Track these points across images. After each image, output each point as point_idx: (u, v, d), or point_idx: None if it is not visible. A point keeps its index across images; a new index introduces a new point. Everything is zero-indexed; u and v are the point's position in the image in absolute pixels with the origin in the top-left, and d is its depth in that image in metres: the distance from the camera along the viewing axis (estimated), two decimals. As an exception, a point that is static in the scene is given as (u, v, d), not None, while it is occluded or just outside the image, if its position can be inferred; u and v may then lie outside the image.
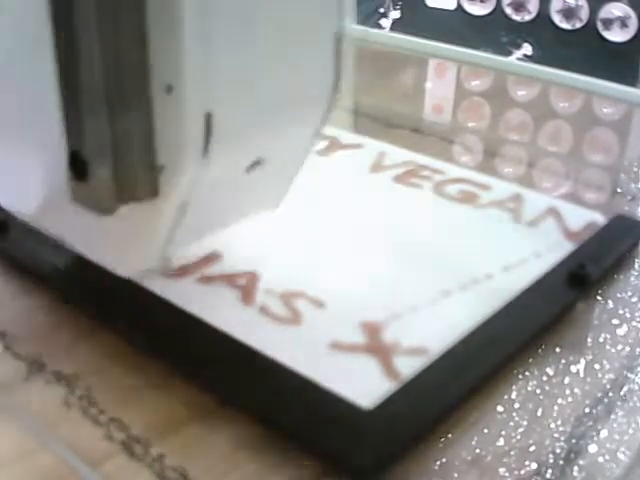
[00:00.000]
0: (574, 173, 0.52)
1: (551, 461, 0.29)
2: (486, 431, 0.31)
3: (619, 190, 0.49)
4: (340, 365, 0.33)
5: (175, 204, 0.30)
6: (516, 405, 0.32)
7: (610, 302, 0.38)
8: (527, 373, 0.33)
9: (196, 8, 0.27)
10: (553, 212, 0.44)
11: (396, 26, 0.86)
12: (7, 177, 0.32)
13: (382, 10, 0.86)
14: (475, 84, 0.69)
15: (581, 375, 0.33)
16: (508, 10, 0.70)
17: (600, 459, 0.29)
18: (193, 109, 0.28)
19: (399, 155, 0.51)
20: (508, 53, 0.70)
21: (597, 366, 0.34)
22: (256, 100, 0.31)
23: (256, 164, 0.33)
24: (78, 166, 0.28)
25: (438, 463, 0.29)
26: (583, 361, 0.34)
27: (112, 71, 0.27)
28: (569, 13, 0.66)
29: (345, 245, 0.42)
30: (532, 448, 0.30)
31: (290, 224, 0.44)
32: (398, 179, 0.48)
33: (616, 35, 0.63)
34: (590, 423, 0.31)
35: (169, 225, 0.31)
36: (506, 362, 0.33)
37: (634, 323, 0.36)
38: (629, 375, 0.33)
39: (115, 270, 0.34)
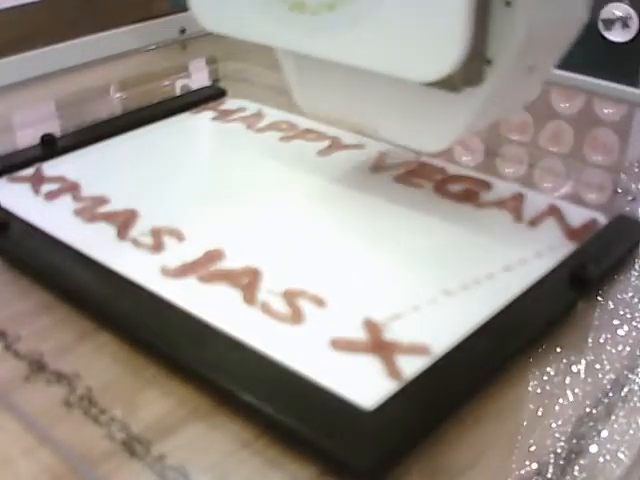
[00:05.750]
0: (575, 173, 0.52)
1: (552, 461, 0.29)
2: (487, 431, 0.31)
3: (620, 190, 0.49)
4: (342, 364, 0.33)
5: (491, 89, 0.38)
6: (517, 405, 0.32)
7: (611, 302, 0.38)
8: (528, 373, 0.33)
9: None
10: (554, 212, 0.44)
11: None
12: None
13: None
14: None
15: (582, 375, 0.33)
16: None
17: (601, 459, 0.29)
18: (524, 20, 0.36)
19: (400, 154, 0.51)
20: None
21: (598, 366, 0.34)
22: (552, 20, 0.38)
23: (532, 68, 0.40)
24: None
25: (439, 463, 0.29)
26: (584, 361, 0.34)
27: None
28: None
29: (347, 244, 0.42)
30: (533, 448, 0.30)
31: (292, 223, 0.44)
32: (399, 179, 0.48)
33: (617, 35, 0.63)
34: (591, 423, 0.31)
35: (480, 106, 0.39)
36: (507, 362, 0.33)
37: (635, 323, 0.36)
38: (630, 375, 0.33)
39: (415, 148, 0.44)
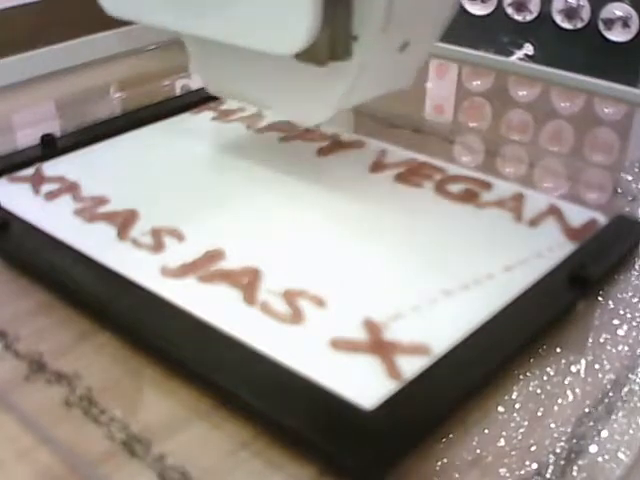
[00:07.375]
0: (575, 173, 0.52)
1: (552, 461, 0.29)
2: (487, 431, 0.31)
3: (620, 190, 0.49)
4: (342, 364, 0.33)
5: (359, 64, 0.41)
6: (517, 405, 0.32)
7: (611, 302, 0.38)
8: (528, 373, 0.33)
9: None
10: (554, 212, 0.44)
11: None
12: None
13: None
14: (476, 84, 0.69)
15: (582, 375, 0.33)
16: (509, 10, 0.70)
17: (600, 459, 0.29)
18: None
19: (400, 154, 0.51)
20: (509, 53, 0.70)
21: (597, 366, 0.34)
22: None
23: (405, 45, 0.43)
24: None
25: (439, 463, 0.29)
26: (584, 361, 0.34)
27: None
28: (571, 13, 0.66)
29: (347, 244, 0.42)
30: (533, 448, 0.30)
31: (292, 223, 0.44)
32: (399, 178, 0.48)
33: (617, 35, 0.63)
34: (591, 423, 0.31)
35: (351, 80, 0.42)
36: (507, 362, 0.33)
37: (635, 323, 0.36)
38: (629, 375, 0.33)
39: (299, 121, 0.49)
